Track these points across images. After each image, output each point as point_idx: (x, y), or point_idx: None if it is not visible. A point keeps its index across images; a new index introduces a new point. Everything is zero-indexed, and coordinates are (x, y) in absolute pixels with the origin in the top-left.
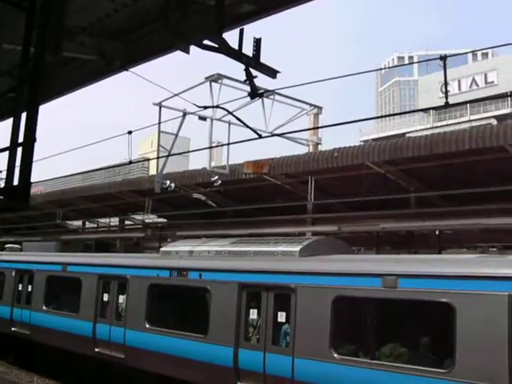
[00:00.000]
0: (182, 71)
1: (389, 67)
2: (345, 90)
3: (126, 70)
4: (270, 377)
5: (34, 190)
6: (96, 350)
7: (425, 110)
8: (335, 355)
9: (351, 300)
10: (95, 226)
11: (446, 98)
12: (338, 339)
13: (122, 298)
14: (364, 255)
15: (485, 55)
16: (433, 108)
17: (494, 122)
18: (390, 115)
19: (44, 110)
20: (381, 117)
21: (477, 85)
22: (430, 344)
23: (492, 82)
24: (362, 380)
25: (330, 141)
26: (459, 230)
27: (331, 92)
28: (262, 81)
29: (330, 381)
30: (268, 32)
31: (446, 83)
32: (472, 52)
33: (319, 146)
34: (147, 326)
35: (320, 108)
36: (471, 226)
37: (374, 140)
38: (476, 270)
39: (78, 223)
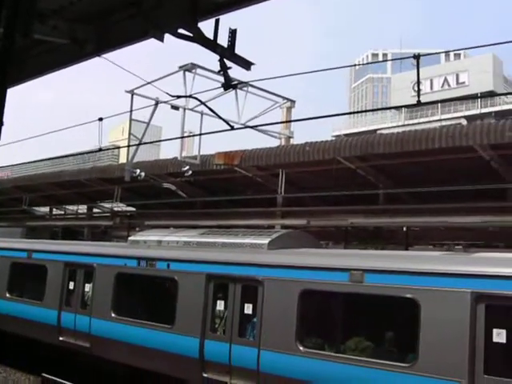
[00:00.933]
0: (156, 59)
1: (363, 64)
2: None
3: (99, 55)
4: (235, 368)
5: (0, 175)
6: (60, 338)
7: (397, 108)
8: (301, 348)
9: (318, 294)
10: (63, 212)
11: (419, 96)
12: (304, 332)
13: (88, 287)
14: (332, 249)
15: (457, 56)
16: (405, 106)
17: (464, 122)
18: (362, 111)
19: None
20: (354, 112)
21: (448, 85)
22: (394, 338)
23: (463, 82)
24: (326, 373)
25: (303, 135)
26: (426, 226)
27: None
28: (235, 72)
29: (295, 373)
30: (244, 24)
31: (418, 82)
32: (445, 52)
33: (291, 139)
34: (113, 315)
35: (293, 101)
36: (437, 224)
37: (345, 135)
38: (440, 267)
39: (45, 209)
